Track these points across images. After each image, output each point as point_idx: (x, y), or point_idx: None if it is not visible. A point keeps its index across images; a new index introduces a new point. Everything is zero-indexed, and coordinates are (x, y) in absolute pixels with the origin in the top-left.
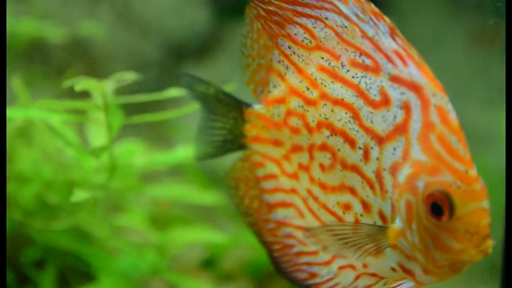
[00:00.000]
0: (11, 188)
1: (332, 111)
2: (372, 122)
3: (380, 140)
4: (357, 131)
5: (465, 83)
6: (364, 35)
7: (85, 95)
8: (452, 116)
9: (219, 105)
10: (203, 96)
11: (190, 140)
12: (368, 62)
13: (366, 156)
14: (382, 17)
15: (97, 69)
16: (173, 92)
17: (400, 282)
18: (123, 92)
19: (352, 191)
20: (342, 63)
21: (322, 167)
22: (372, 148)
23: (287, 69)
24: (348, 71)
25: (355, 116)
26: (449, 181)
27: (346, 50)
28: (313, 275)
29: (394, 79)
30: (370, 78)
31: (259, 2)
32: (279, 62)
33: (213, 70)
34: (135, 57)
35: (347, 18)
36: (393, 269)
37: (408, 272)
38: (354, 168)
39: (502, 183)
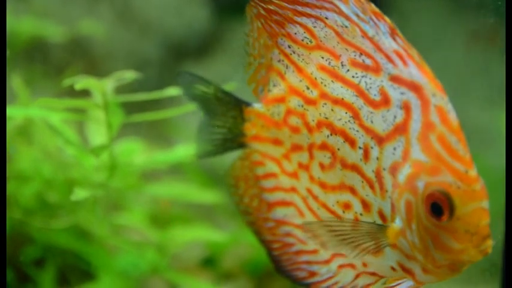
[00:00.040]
0: (11, 186)
1: (332, 110)
2: (372, 121)
3: (380, 140)
4: (357, 131)
5: (465, 82)
6: (365, 34)
7: (85, 93)
8: (452, 116)
9: (219, 103)
10: (203, 94)
11: (190, 138)
12: (368, 61)
13: (366, 155)
14: (382, 17)
15: (97, 68)
16: (173, 91)
17: (400, 281)
18: (123, 90)
19: (352, 190)
20: (342, 62)
21: (322, 166)
22: (371, 148)
23: (287, 68)
24: (348, 70)
25: (355, 116)
26: (449, 181)
27: (346, 49)
28: (313, 274)
29: (394, 79)
30: (370, 78)
31: (260, 1)
32: (279, 61)
33: (213, 69)
34: (135, 56)
35: (347, 18)
36: (393, 268)
37: (408, 272)
38: (354, 168)
39: (502, 183)
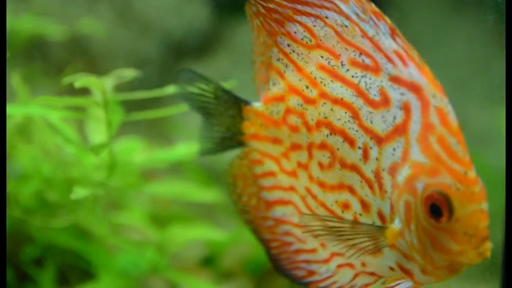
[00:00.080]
0: (10, 185)
1: (331, 110)
2: (371, 122)
3: (379, 140)
4: (356, 131)
5: (465, 81)
6: (364, 34)
7: (85, 92)
8: (452, 118)
9: (218, 102)
10: (202, 92)
11: (190, 137)
12: (368, 61)
13: (365, 156)
14: (382, 17)
15: (97, 67)
16: (173, 89)
17: (399, 281)
18: (123, 89)
19: (351, 190)
20: (341, 62)
21: (321, 166)
22: (371, 148)
23: (286, 67)
24: (348, 70)
25: (355, 116)
26: (449, 183)
27: (346, 49)
28: (312, 273)
29: (394, 79)
30: (370, 78)
31: None
32: (278, 59)
33: (212, 67)
34: (135, 55)
35: (347, 17)
36: (391, 269)
37: (406, 272)
38: (353, 168)
39: (502, 183)
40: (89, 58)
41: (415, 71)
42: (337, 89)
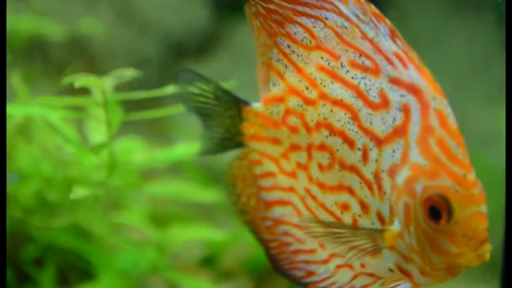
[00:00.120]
0: (10, 185)
1: (331, 111)
2: (371, 123)
3: (379, 142)
4: (356, 132)
5: (466, 81)
6: (364, 36)
7: (84, 92)
8: (452, 120)
9: (218, 102)
10: (202, 92)
11: (190, 137)
12: (368, 63)
13: (365, 157)
14: (382, 19)
15: (96, 67)
16: (173, 89)
17: (398, 283)
18: (123, 89)
19: (351, 191)
20: (341, 63)
21: (320, 167)
22: (370, 149)
23: (286, 68)
24: (348, 71)
25: (354, 117)
26: (448, 185)
27: (346, 50)
28: (310, 273)
29: (394, 81)
30: (369, 80)
31: (259, 0)
32: (278, 60)
33: (212, 67)
34: (134, 55)
35: (347, 18)
36: (391, 270)
37: (405, 273)
38: (353, 169)
39: (502, 183)
40: (89, 58)
41: (415, 73)
42: (337, 90)
